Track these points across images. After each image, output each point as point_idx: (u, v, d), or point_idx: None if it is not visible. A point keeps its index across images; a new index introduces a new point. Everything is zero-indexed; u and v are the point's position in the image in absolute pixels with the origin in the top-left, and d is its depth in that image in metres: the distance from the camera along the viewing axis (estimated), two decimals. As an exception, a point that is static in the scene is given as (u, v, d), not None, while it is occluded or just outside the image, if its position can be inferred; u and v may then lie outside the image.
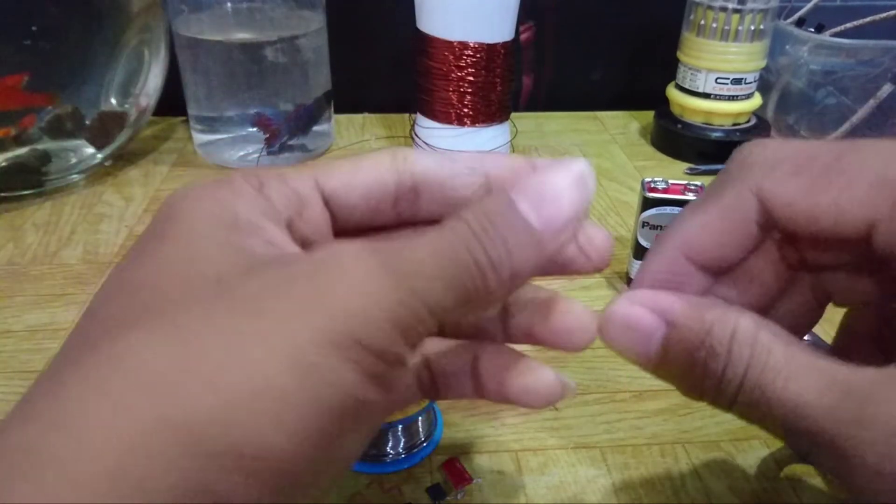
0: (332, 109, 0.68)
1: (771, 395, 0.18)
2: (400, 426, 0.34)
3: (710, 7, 0.62)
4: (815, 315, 0.25)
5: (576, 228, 0.19)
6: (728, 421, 0.38)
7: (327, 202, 0.21)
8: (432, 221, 0.21)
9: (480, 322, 0.24)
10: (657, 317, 0.21)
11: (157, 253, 0.18)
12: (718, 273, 0.24)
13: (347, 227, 0.22)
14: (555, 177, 0.19)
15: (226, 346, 0.15)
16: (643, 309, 0.21)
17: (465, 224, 0.17)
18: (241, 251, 0.18)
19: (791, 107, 0.69)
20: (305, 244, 0.20)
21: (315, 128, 0.66)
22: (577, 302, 0.23)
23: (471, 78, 0.57)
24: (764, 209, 0.21)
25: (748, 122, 0.68)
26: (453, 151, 0.23)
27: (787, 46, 0.67)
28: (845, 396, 0.17)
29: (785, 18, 0.69)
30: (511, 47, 0.58)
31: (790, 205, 0.21)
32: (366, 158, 0.22)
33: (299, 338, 0.15)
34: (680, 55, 0.68)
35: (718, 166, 0.64)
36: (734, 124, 0.67)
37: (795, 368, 0.19)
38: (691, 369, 0.20)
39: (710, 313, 0.20)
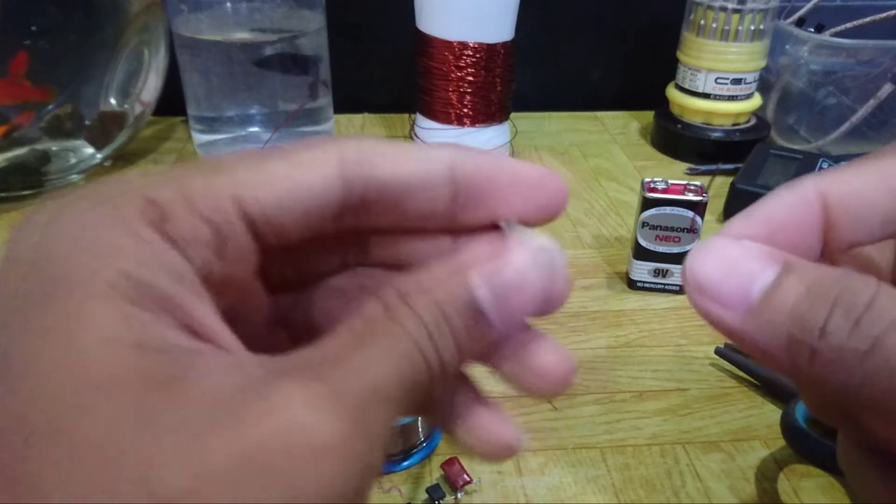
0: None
1: None
2: (399, 426, 0.34)
3: (710, 7, 0.62)
4: None
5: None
6: (728, 421, 0.38)
7: (253, 227, 0.16)
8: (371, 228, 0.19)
9: None
10: (767, 257, 0.17)
11: (29, 360, 0.13)
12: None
13: (273, 248, 0.17)
14: (522, 261, 0.17)
15: None
16: (749, 250, 0.18)
17: (419, 321, 0.15)
18: (149, 381, 0.13)
19: (791, 107, 0.69)
20: (225, 287, 0.16)
21: (316, 128, 0.66)
22: (554, 340, 0.19)
23: (471, 78, 0.57)
24: None
25: (748, 122, 0.68)
26: (417, 146, 0.18)
27: (787, 46, 0.67)
28: None
29: (785, 18, 0.69)
30: (511, 47, 0.58)
31: None
32: (303, 162, 0.16)
33: None
34: (680, 55, 0.68)
35: (718, 166, 0.64)
36: (734, 124, 0.67)
37: None
38: (811, 317, 0.16)
39: (832, 267, 0.17)
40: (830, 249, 0.19)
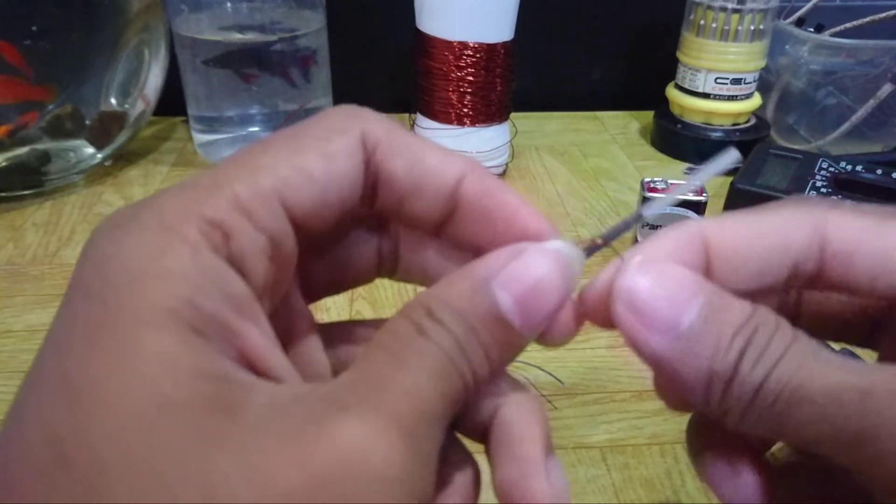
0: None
1: (814, 378, 0.16)
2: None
3: (710, 7, 0.62)
4: None
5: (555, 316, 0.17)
6: (728, 421, 0.38)
7: (296, 225, 0.16)
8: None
9: None
10: (697, 285, 0.17)
11: (96, 389, 0.12)
12: None
13: (308, 242, 0.17)
14: (540, 265, 0.17)
15: None
16: (683, 270, 0.18)
17: (450, 335, 0.16)
18: (211, 404, 0.13)
19: (791, 107, 0.69)
20: (274, 289, 0.17)
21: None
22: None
23: (471, 78, 0.57)
24: (817, 243, 0.18)
25: (748, 122, 0.68)
26: (435, 149, 0.18)
27: (787, 46, 0.67)
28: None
29: (785, 18, 0.69)
30: (511, 47, 0.58)
31: (854, 243, 0.18)
32: (335, 153, 0.17)
33: None
34: (680, 55, 0.68)
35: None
36: (734, 124, 0.67)
37: (838, 360, 0.16)
38: (720, 351, 0.16)
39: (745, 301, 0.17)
40: None
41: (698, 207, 0.45)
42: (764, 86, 0.69)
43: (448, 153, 0.18)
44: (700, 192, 0.48)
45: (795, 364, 0.16)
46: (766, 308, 0.17)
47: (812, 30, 0.69)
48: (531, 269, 0.17)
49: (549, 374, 0.40)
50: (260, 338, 0.15)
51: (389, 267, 0.21)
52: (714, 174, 0.19)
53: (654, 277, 0.17)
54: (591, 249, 0.19)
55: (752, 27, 0.62)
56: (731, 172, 0.62)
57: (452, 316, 0.16)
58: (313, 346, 0.19)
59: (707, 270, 0.19)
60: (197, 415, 0.12)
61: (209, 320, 0.14)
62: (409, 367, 0.15)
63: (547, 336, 0.18)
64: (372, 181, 0.18)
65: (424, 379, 0.15)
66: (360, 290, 0.48)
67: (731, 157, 0.19)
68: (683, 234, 0.19)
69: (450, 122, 0.59)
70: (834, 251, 0.18)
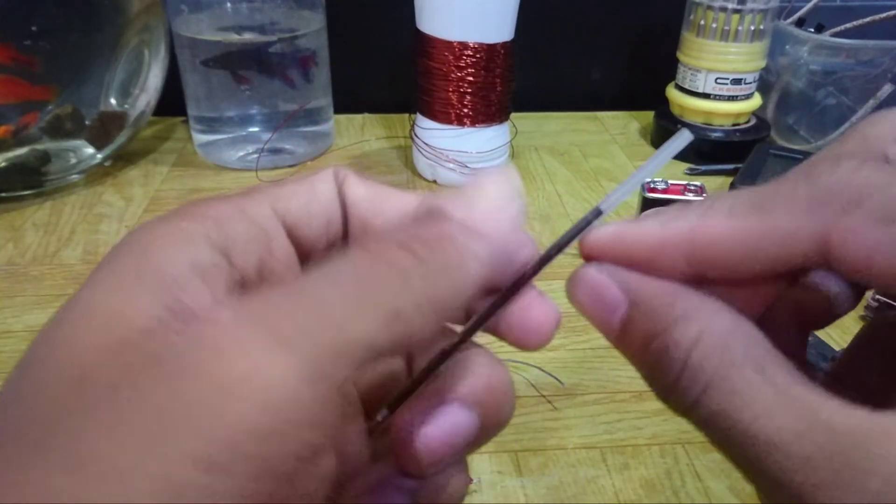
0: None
1: (735, 425, 0.16)
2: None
3: (710, 7, 0.62)
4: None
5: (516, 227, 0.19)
6: (728, 421, 0.38)
7: (289, 231, 0.19)
8: None
9: None
10: (622, 292, 0.19)
11: (37, 345, 0.15)
12: (706, 281, 0.19)
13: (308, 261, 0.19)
14: (483, 183, 0.19)
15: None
16: (610, 280, 0.19)
17: (385, 241, 0.16)
18: (129, 333, 0.14)
19: (791, 107, 0.69)
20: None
21: (314, 128, 0.66)
22: (542, 294, 0.19)
23: (471, 78, 0.57)
24: (822, 253, 0.17)
25: (748, 122, 0.68)
26: (391, 189, 0.20)
27: (787, 46, 0.67)
28: (829, 443, 0.14)
29: (785, 18, 0.69)
30: (511, 47, 0.58)
31: (866, 260, 0.16)
32: (313, 180, 0.20)
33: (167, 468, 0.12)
34: (680, 55, 0.68)
35: (718, 166, 0.64)
36: (734, 124, 0.67)
37: (768, 401, 0.15)
38: (648, 358, 0.18)
39: (681, 304, 0.18)
40: (698, 280, 0.18)
41: (698, 207, 0.45)
42: (764, 86, 0.69)
43: (408, 192, 0.21)
44: (700, 192, 0.48)
45: (722, 401, 0.16)
46: (689, 325, 0.17)
47: (812, 30, 0.69)
48: (476, 186, 0.19)
49: (549, 374, 0.41)
50: (203, 294, 0.16)
51: None
52: (669, 157, 0.19)
53: (586, 291, 0.19)
54: (556, 248, 0.19)
55: (753, 27, 0.62)
56: (730, 173, 0.62)
57: (377, 241, 0.16)
58: None
59: (692, 268, 0.18)
60: (88, 343, 0.14)
61: (163, 277, 0.15)
62: (312, 277, 0.15)
63: (526, 333, 0.19)
64: (343, 206, 0.20)
65: (322, 285, 0.14)
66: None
67: (683, 138, 0.19)
68: (666, 220, 0.18)
69: (450, 123, 0.59)
70: (845, 267, 0.17)
